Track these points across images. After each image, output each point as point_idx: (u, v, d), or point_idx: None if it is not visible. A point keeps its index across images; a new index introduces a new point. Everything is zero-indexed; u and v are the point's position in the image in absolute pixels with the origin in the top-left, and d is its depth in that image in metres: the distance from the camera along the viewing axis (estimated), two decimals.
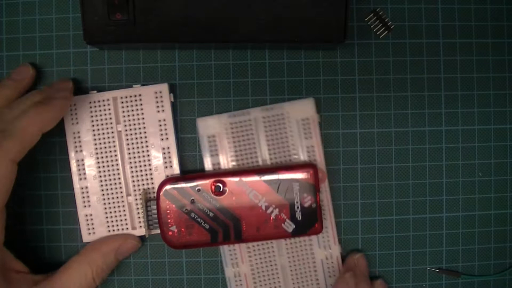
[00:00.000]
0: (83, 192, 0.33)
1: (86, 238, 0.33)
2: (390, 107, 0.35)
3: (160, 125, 0.33)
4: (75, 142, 0.33)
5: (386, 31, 0.35)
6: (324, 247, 0.34)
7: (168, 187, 0.31)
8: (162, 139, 0.33)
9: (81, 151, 0.33)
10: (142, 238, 0.34)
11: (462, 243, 0.35)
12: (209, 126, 0.33)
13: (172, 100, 0.33)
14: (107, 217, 0.33)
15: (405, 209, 0.35)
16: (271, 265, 0.33)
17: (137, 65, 0.34)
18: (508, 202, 0.35)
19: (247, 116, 0.33)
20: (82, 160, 0.33)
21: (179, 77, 0.34)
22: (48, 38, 0.34)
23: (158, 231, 0.32)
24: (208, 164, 0.33)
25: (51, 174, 0.34)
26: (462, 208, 0.35)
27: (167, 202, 0.31)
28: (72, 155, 0.33)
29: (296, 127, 0.33)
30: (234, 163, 0.33)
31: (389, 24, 0.34)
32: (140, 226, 0.33)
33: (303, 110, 0.33)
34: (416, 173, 0.35)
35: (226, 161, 0.33)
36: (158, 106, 0.33)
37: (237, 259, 0.33)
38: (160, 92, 0.33)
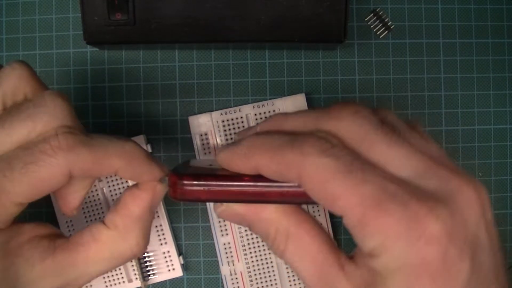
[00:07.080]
0: None
1: None
2: (390, 107, 0.35)
3: None
4: None
5: (386, 31, 0.35)
6: None
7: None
8: None
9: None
10: None
11: None
12: (201, 124, 0.33)
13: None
14: (104, 277, 0.33)
15: None
16: (266, 263, 0.33)
17: (137, 65, 0.34)
18: (508, 202, 0.35)
19: (238, 114, 0.33)
20: None
21: (179, 77, 0.34)
22: (48, 38, 0.34)
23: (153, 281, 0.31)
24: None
25: None
26: None
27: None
28: None
29: None
30: None
31: (389, 24, 0.34)
32: (136, 278, 0.33)
33: (294, 106, 0.33)
34: None
35: None
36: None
37: (232, 258, 0.33)
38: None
